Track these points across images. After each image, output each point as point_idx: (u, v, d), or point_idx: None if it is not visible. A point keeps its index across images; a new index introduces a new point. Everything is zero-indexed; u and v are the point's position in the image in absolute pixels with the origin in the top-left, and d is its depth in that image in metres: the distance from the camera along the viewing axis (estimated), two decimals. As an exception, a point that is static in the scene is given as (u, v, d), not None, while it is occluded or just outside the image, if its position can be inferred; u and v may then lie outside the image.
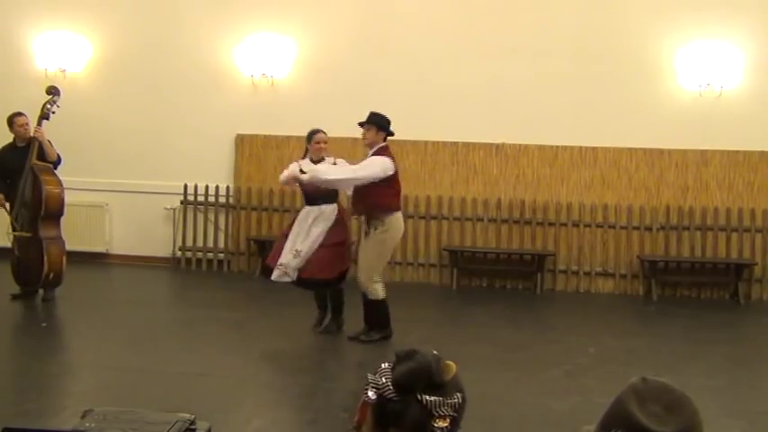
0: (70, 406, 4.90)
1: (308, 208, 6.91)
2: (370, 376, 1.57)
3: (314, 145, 6.89)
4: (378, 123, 6.71)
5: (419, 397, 1.49)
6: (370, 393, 1.54)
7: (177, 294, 9.48)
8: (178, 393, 5.27)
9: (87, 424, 2.62)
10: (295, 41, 9.83)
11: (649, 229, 9.43)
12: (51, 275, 7.81)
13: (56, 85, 8.28)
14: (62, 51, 10.04)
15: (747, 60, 9.16)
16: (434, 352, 1.59)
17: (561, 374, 6.07)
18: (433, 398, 1.49)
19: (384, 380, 1.53)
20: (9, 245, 8.11)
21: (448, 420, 1.50)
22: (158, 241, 10.16)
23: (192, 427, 2.70)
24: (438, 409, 1.49)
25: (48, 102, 7.93)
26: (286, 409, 5.39)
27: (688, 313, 8.53)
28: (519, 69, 9.43)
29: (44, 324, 7.40)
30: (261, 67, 9.80)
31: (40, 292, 7.95)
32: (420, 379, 1.51)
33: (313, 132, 6.94)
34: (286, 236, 6.89)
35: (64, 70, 10.07)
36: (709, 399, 5.55)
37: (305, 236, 6.77)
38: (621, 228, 9.47)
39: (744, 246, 9.30)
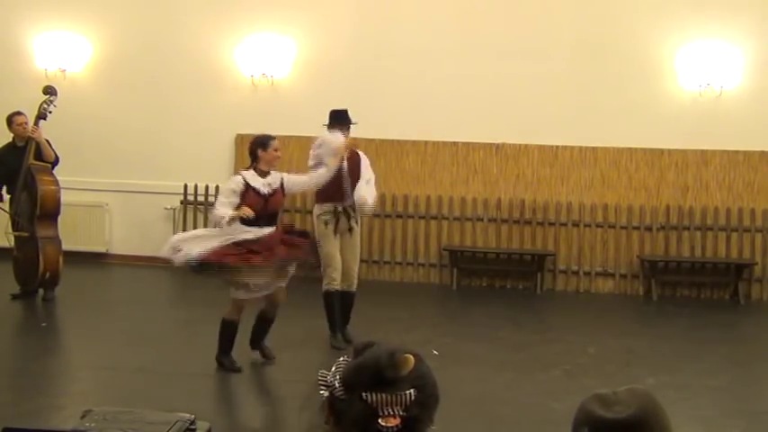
0: (69, 406, 4.90)
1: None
2: (321, 372, 1.48)
3: (271, 153, 6.21)
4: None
5: (363, 395, 1.39)
6: (322, 390, 1.46)
7: (177, 294, 9.46)
8: (178, 393, 5.27)
9: (87, 424, 2.62)
10: (295, 41, 9.82)
11: (649, 229, 9.43)
12: (48, 275, 7.81)
13: (55, 84, 8.28)
14: (62, 51, 10.02)
15: (747, 60, 9.15)
16: (393, 346, 1.46)
17: (561, 374, 6.07)
18: (379, 395, 1.38)
19: (333, 376, 1.45)
20: (10, 244, 8.14)
21: (398, 419, 1.38)
22: (158, 241, 10.05)
23: (192, 427, 2.70)
24: (384, 408, 1.38)
25: (44, 101, 7.91)
26: (286, 409, 5.38)
27: (688, 313, 8.53)
28: (519, 69, 9.42)
29: (44, 324, 7.41)
30: (261, 67, 9.79)
31: (40, 292, 7.95)
32: (364, 375, 1.40)
33: (269, 138, 6.28)
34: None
35: (64, 70, 10.06)
36: (709, 399, 5.57)
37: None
38: (621, 228, 9.47)
39: (744, 246, 9.29)
